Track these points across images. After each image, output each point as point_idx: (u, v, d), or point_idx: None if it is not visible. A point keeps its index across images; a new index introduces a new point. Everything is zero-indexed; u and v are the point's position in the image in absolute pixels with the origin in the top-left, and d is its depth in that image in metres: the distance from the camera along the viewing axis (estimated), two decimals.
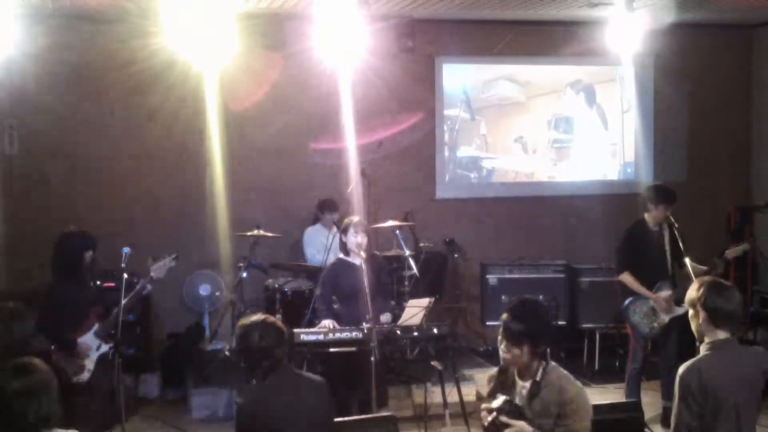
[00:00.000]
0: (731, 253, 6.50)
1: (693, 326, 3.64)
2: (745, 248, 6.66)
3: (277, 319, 3.89)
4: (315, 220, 7.99)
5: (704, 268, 6.18)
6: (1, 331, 3.90)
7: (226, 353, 7.20)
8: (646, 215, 6.35)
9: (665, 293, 6.19)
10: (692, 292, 3.64)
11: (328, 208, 7.82)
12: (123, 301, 5.20)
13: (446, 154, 8.95)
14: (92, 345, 5.31)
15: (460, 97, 8.92)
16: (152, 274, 5.45)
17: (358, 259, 5.92)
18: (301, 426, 3.68)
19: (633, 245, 6.34)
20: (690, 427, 3.45)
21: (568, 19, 8.53)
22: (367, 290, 5.41)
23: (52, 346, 5.24)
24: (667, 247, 6.25)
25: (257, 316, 3.86)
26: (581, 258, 8.42)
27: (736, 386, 3.48)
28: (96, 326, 5.34)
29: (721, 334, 3.56)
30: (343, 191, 7.99)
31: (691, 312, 3.64)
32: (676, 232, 6.15)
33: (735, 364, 3.52)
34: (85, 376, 5.26)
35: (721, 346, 3.54)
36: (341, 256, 6.13)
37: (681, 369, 3.52)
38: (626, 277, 6.32)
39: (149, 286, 5.45)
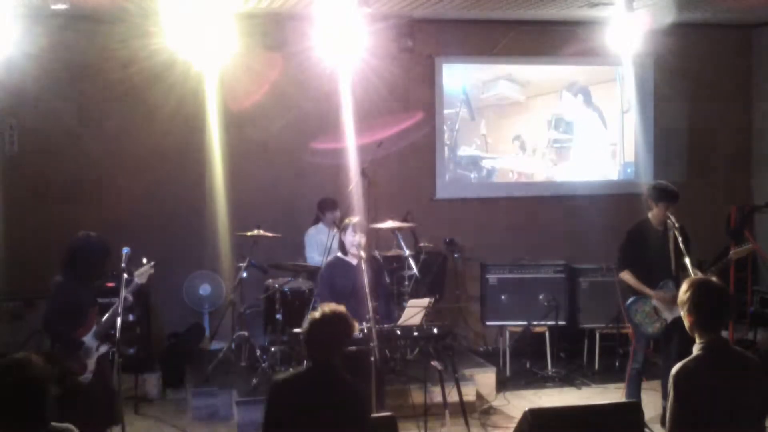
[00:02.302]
0: (736, 254, 6.49)
1: (686, 326, 3.66)
2: (749, 249, 6.65)
3: (349, 315, 3.86)
4: (316, 220, 7.99)
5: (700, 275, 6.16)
6: None
7: (226, 353, 7.21)
8: (649, 214, 6.34)
9: (667, 293, 6.17)
10: (681, 293, 3.66)
11: (328, 208, 7.83)
12: (120, 303, 5.19)
13: (446, 154, 8.95)
14: (92, 345, 5.32)
15: (460, 97, 8.92)
16: (136, 280, 5.48)
17: (355, 259, 5.92)
18: (327, 424, 3.65)
19: (635, 244, 6.32)
20: (684, 426, 3.46)
21: (568, 19, 8.54)
22: (366, 290, 5.40)
23: (57, 346, 5.25)
24: (671, 247, 6.23)
25: (329, 307, 3.86)
26: (581, 258, 8.41)
27: (728, 386, 3.48)
28: (95, 327, 5.35)
29: (712, 335, 3.57)
30: (343, 191, 7.99)
31: (682, 312, 3.66)
32: (676, 233, 6.13)
33: (727, 364, 3.53)
34: (88, 376, 5.26)
35: (713, 347, 3.55)
36: (339, 255, 6.13)
37: (674, 369, 3.53)
38: (626, 276, 6.31)
39: (130, 297, 5.47)
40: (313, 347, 3.78)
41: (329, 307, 3.87)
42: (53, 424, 3.08)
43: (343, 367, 3.79)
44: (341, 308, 3.87)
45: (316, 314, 3.81)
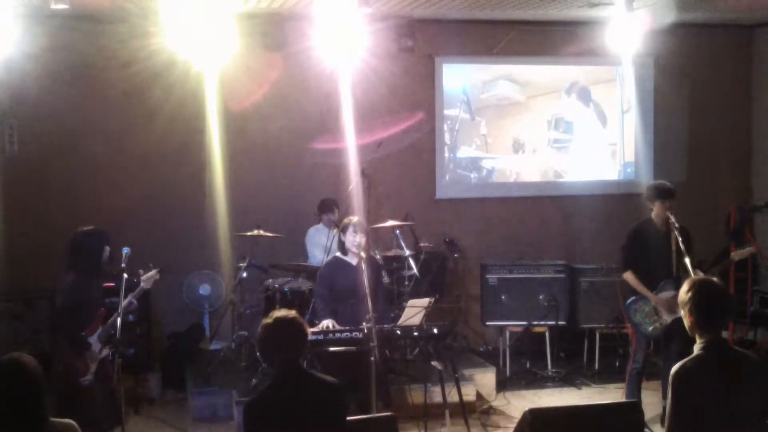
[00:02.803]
0: (737, 255, 6.49)
1: (686, 326, 3.67)
2: (751, 251, 6.64)
3: (301, 318, 3.78)
4: (318, 220, 8.00)
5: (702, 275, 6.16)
6: None
7: (226, 353, 7.21)
8: (652, 214, 6.35)
9: (667, 294, 6.17)
10: (682, 293, 3.66)
11: (324, 210, 7.86)
12: (121, 302, 5.19)
13: (446, 154, 8.95)
14: (97, 348, 5.33)
15: (460, 97, 8.92)
16: (143, 285, 5.51)
17: (355, 259, 5.92)
18: (310, 427, 3.62)
19: (637, 244, 6.32)
20: (684, 426, 3.47)
21: (568, 19, 8.54)
22: (366, 290, 5.40)
23: (62, 345, 5.26)
24: (673, 248, 6.23)
25: (283, 312, 3.77)
26: (581, 258, 8.42)
27: (728, 386, 3.49)
28: (100, 329, 5.35)
29: (712, 335, 3.58)
30: (343, 191, 8.00)
31: (683, 312, 3.67)
32: (676, 233, 6.13)
33: (727, 364, 3.53)
34: (89, 378, 5.27)
35: (713, 347, 3.56)
36: (338, 254, 6.13)
37: (674, 368, 3.54)
38: (629, 276, 6.31)
39: (135, 302, 5.50)
40: (270, 354, 3.72)
41: (281, 312, 3.77)
42: (53, 420, 3.09)
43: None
44: (292, 312, 3.77)
45: (269, 320, 3.71)
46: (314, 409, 3.62)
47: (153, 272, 5.59)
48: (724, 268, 6.43)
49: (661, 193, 6.27)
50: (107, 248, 5.41)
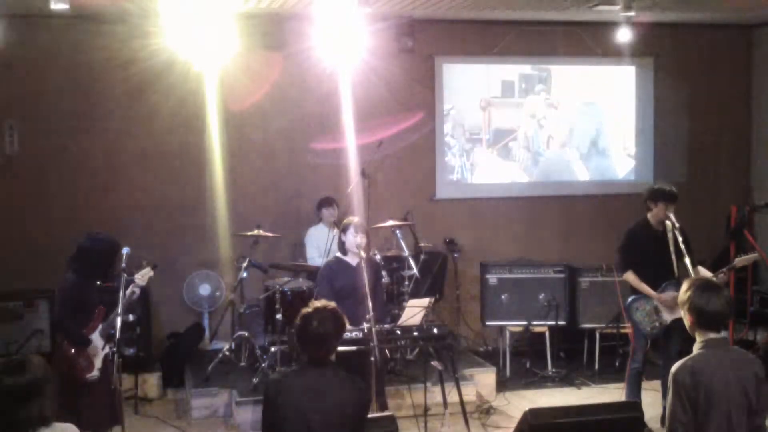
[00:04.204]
0: (741, 261, 6.48)
1: (686, 325, 3.70)
2: (755, 257, 6.63)
3: (340, 311, 3.82)
4: (318, 220, 8.00)
5: (710, 275, 6.16)
6: None
7: (226, 353, 7.21)
8: (648, 215, 6.34)
9: (670, 293, 6.16)
10: (681, 293, 3.70)
11: (323, 204, 7.87)
12: (120, 304, 5.20)
13: (446, 154, 8.94)
14: (99, 344, 5.34)
15: (461, 97, 8.91)
16: (138, 281, 5.49)
17: (355, 259, 5.92)
18: (326, 423, 3.61)
19: (635, 245, 6.31)
20: (684, 424, 3.48)
21: (568, 19, 8.54)
22: (367, 290, 5.40)
23: (67, 343, 5.27)
24: (672, 248, 6.23)
25: (322, 303, 3.81)
26: (581, 258, 8.42)
27: (728, 384, 3.50)
28: (100, 326, 5.36)
29: (712, 334, 3.61)
30: (343, 191, 8.00)
31: (683, 312, 3.71)
32: (676, 233, 6.13)
33: (727, 363, 3.55)
34: (96, 374, 5.28)
35: (713, 345, 3.59)
36: (338, 255, 6.13)
37: (674, 367, 3.57)
38: (630, 277, 6.29)
39: (137, 291, 5.47)
40: (306, 343, 3.74)
41: (321, 302, 3.83)
42: (54, 423, 3.08)
43: (338, 363, 3.77)
44: (332, 304, 3.83)
45: (308, 309, 3.76)
46: (333, 403, 3.62)
47: (146, 270, 5.57)
48: (726, 276, 6.38)
49: (665, 196, 6.24)
50: (118, 256, 5.39)
